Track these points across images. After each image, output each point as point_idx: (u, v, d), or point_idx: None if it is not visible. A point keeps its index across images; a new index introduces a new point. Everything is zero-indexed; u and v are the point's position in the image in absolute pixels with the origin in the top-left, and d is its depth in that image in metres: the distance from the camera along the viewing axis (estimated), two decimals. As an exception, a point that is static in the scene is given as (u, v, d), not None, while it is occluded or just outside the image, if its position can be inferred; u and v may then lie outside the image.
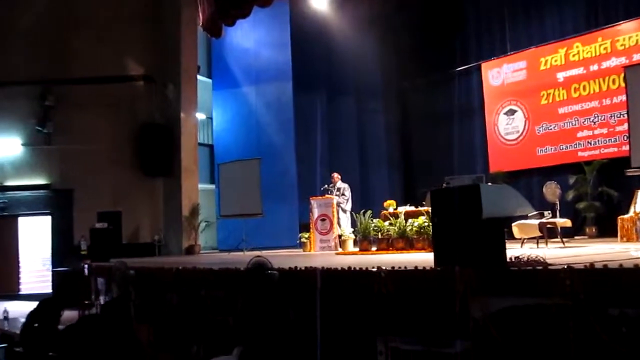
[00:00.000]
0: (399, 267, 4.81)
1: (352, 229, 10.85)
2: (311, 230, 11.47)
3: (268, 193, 13.52)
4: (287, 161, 15.02)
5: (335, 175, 12.11)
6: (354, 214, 10.43)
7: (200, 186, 15.64)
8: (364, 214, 9.92)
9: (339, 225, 11.48)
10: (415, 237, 9.09)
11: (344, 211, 11.76)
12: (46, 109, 14.01)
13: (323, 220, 11.39)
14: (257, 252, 10.75)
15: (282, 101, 15.38)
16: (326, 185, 11.98)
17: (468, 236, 4.58)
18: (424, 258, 6.55)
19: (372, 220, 9.83)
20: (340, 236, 11.10)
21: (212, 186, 16.69)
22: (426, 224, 8.88)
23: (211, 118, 17.06)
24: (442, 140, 15.19)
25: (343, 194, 11.80)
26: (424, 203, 9.24)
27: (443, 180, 5.15)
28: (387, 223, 9.67)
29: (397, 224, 9.35)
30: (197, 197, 15.04)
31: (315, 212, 11.49)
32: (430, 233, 8.19)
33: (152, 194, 14.83)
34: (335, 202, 11.44)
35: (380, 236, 9.61)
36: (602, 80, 12.15)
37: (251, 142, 15.47)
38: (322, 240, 11.32)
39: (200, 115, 16.82)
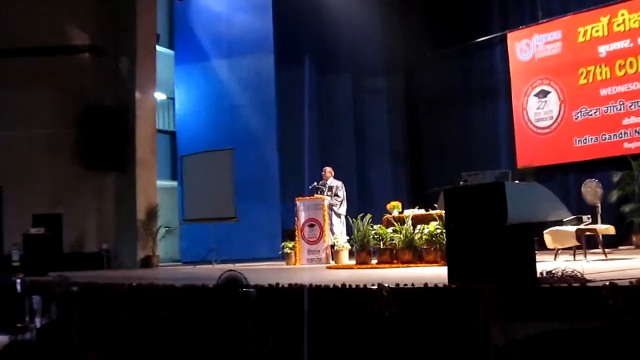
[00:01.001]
0: (405, 285, 4.82)
1: (348, 237, 10.86)
2: (297, 238, 11.48)
3: (243, 192, 13.53)
4: (268, 153, 15.05)
5: (328, 170, 12.12)
6: (349, 219, 10.44)
7: (160, 183, 15.61)
8: (362, 218, 9.93)
9: (332, 233, 11.50)
10: (425, 247, 9.12)
11: (338, 215, 11.78)
12: (-32, 87, 13.93)
13: (311, 226, 11.40)
14: (230, 266, 10.75)
15: (262, 78, 15.38)
16: (315, 183, 11.99)
17: (490, 246, 4.61)
18: (436, 273, 6.56)
19: (372, 227, 9.85)
20: (332, 246, 11.11)
21: (174, 183, 16.67)
22: (439, 231, 8.91)
23: (173, 99, 17.03)
24: (459, 128, 15.23)
25: (336, 194, 11.82)
26: (436, 205, 9.27)
27: (459, 177, 5.17)
28: (390, 230, 9.68)
29: (403, 231, 9.38)
30: (156, 196, 15.00)
31: (302, 216, 11.49)
32: (444, 242, 8.25)
33: (100, 192, 14.76)
34: (326, 203, 11.46)
35: (382, 246, 9.62)
36: (653, 55, 12.26)
37: (222, 129, 15.48)
38: (310, 250, 11.33)
39: (160, 96, 16.75)
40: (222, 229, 13.12)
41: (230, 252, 12.75)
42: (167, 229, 15.16)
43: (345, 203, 11.88)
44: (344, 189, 11.94)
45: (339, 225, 11.75)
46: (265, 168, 14.99)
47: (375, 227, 9.87)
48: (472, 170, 5.23)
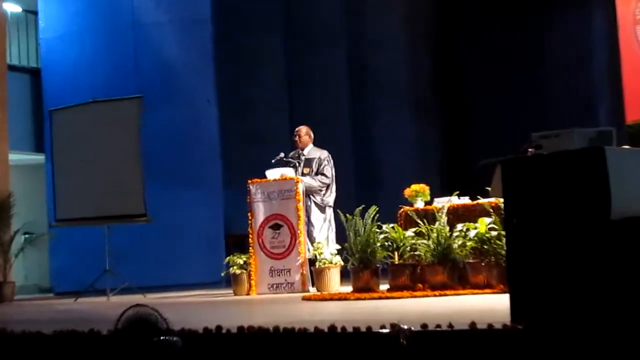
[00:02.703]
0: (438, 327, 4.81)
1: (338, 247, 10.87)
2: (251, 249, 11.47)
3: (160, 172, 13.54)
4: (200, 104, 14.97)
5: (304, 131, 12.07)
6: (341, 214, 10.44)
7: (14, 158, 15.51)
8: (362, 213, 9.94)
9: (310, 239, 11.50)
10: (470, 260, 9.15)
11: (321, 207, 11.75)
12: None
13: (276, 227, 11.37)
14: (138, 298, 10.68)
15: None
16: (282, 155, 11.94)
17: (582, 258, 4.61)
18: (490, 305, 6.55)
19: (379, 227, 9.85)
20: (313, 261, 11.12)
21: (40, 158, 16.56)
22: (494, 233, 8.93)
23: (35, 13, 16.86)
24: (523, 59, 15.25)
25: (321, 172, 11.76)
26: (488, 190, 9.24)
27: (527, 140, 5.15)
28: (411, 232, 9.70)
29: (434, 235, 9.38)
30: (8, 181, 14.91)
31: (260, 211, 11.46)
32: (502, 253, 8.25)
33: None
34: (302, 188, 11.41)
35: (397, 260, 9.65)
36: None
37: (122, 65, 15.40)
38: (274, 270, 11.32)
39: (12, 7, 16.59)
40: (124, 235, 13.07)
41: (139, 276, 12.71)
42: (28, 236, 15.07)
43: (334, 188, 11.85)
44: (331, 163, 11.90)
45: (324, 226, 11.73)
46: (196, 130, 14.92)
47: (385, 227, 9.87)
48: (548, 128, 5.21)
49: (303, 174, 11.70)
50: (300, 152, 11.94)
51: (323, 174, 11.72)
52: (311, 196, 11.67)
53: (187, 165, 14.69)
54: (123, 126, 12.86)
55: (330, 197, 11.80)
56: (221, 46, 15.17)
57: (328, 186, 11.78)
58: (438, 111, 16.39)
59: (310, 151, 11.95)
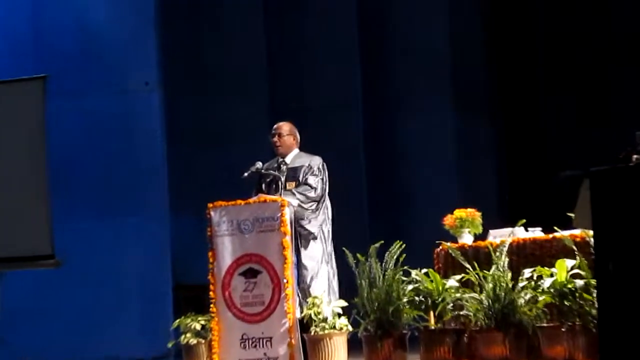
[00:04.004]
0: None
1: (344, 303, 10.84)
2: (214, 307, 11.42)
3: (77, 192, 13.52)
4: (135, 88, 14.98)
5: (286, 128, 12.08)
6: (348, 254, 10.40)
7: None
8: (380, 252, 9.89)
9: (304, 289, 11.45)
10: (545, 324, 9.16)
11: (321, 240, 11.68)
12: None
13: (250, 274, 11.33)
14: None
15: None
16: (258, 165, 11.90)
17: None
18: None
19: (406, 275, 9.90)
20: (307, 323, 11.08)
21: None
22: (579, 282, 8.89)
23: None
24: (625, 33, 15.30)
25: (305, 182, 11.70)
26: (571, 216, 9.19)
27: (629, 143, 5.07)
28: (453, 281, 9.68)
29: (489, 284, 9.36)
30: None
31: (227, 250, 11.43)
32: (593, 312, 8.22)
33: None
34: (289, 213, 11.34)
35: (433, 323, 9.74)
36: None
37: (17, 30, 15.47)
38: (247, 338, 11.29)
39: None
40: (22, 287, 13.10)
41: (44, 347, 12.76)
42: None
43: (329, 211, 11.81)
44: (325, 174, 11.86)
45: (322, 270, 11.71)
46: (130, 127, 14.96)
47: (415, 274, 9.94)
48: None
49: (286, 191, 11.63)
50: (281, 159, 11.88)
51: (306, 184, 11.60)
52: (308, 226, 11.60)
53: (117, 180, 14.67)
54: (19, 121, 12.82)
55: (324, 225, 11.74)
56: (168, 2, 15.20)
57: (317, 204, 11.67)
58: (496, 103, 16.43)
59: (295, 158, 11.93)
